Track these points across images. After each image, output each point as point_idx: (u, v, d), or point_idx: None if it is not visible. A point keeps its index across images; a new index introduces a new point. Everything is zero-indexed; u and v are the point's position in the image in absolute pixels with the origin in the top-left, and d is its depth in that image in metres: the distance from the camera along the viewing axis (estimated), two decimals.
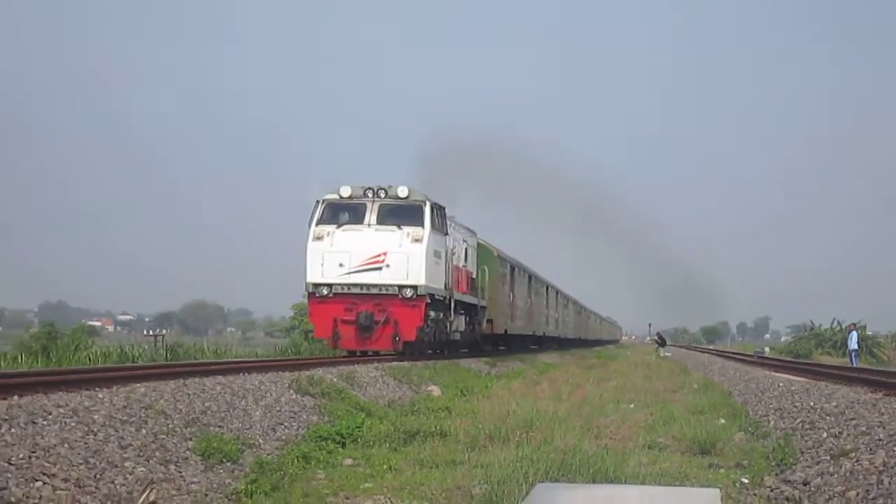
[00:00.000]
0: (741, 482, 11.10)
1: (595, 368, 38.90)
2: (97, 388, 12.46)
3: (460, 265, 36.52)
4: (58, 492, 8.12)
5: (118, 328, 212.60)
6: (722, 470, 11.97)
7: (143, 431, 10.93)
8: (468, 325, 37.78)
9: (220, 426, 12.55)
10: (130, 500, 8.81)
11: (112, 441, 10.04)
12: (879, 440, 12.01)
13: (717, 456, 13.17)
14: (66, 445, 9.25)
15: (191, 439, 11.54)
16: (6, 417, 9.40)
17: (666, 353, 70.46)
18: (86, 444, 9.60)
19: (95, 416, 10.58)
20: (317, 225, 28.49)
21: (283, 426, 14.18)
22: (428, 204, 30.13)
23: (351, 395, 17.77)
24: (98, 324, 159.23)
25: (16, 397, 10.68)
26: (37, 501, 7.81)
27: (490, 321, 42.20)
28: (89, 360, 28.30)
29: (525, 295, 56.11)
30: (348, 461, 12.48)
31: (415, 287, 27.60)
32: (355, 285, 27.71)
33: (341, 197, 29.23)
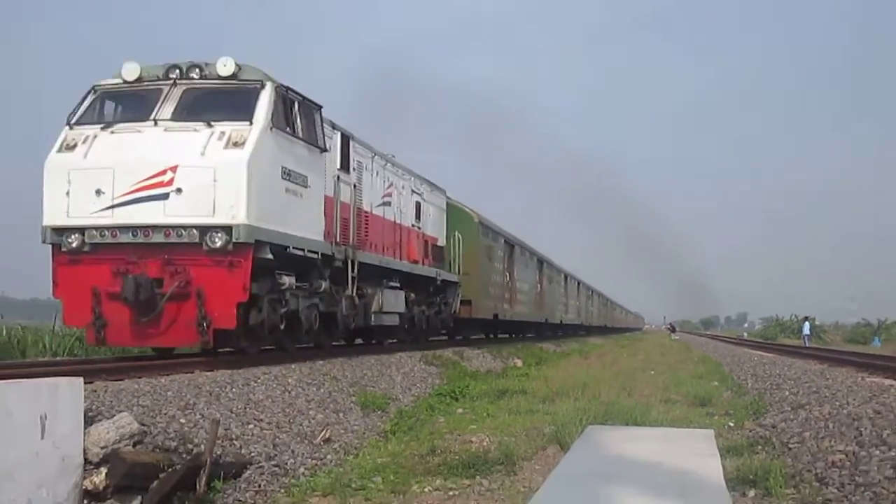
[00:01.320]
0: (729, 425, 12.76)
1: (626, 347, 40.31)
2: (291, 363, 13.88)
3: (402, 221, 24.35)
4: (263, 431, 9.81)
5: None
6: (715, 417, 13.63)
7: (322, 390, 12.31)
8: (421, 305, 25.73)
9: (373, 386, 13.90)
10: (313, 437, 10.41)
11: (300, 397, 11.59)
12: (825, 397, 14.22)
13: (711, 407, 14.94)
14: (269, 400, 10.93)
15: (353, 395, 12.86)
16: (230, 382, 11.06)
17: (676, 337, 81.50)
18: (283, 398, 11.25)
19: (289, 380, 12.08)
20: (72, 127, 15.26)
21: (415, 386, 15.41)
22: (269, 87, 15.85)
23: (461, 366, 19.27)
24: None
25: (237, 369, 12.38)
26: (249, 438, 9.46)
27: (468, 302, 30.10)
28: None
29: (533, 279, 45.64)
30: (460, 410, 13.89)
31: (227, 229, 14.03)
32: (124, 228, 14.37)
33: (125, 81, 15.82)
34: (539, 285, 47.30)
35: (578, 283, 62.39)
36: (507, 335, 43.94)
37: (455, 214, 30.66)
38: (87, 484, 6.91)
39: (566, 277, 56.21)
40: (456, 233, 29.50)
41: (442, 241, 28.92)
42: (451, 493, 8.22)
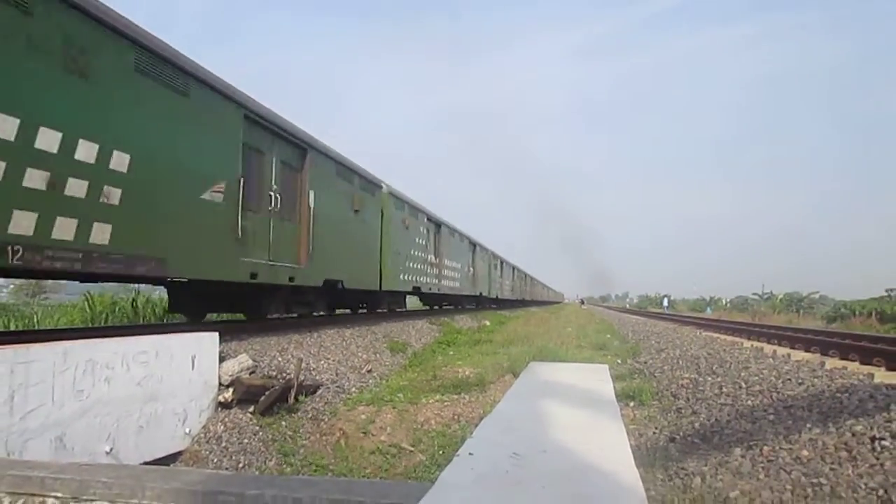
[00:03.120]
0: (617, 362, 12.83)
1: (553, 314, 40.04)
2: (346, 326, 13.41)
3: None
4: (329, 365, 9.77)
5: None
6: (609, 356, 13.57)
7: (366, 340, 12.25)
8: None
9: (397, 338, 13.76)
10: (360, 369, 10.37)
11: (352, 344, 11.52)
12: (677, 344, 14.40)
13: (606, 351, 15.00)
14: (333, 346, 10.89)
15: (385, 343, 12.81)
16: (309, 335, 11.09)
17: (585, 308, 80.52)
18: (342, 345, 11.18)
19: (346, 334, 12.03)
20: None
21: (424, 338, 15.20)
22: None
23: (453, 325, 18.97)
24: None
25: (312, 332, 12.24)
26: (321, 369, 9.38)
27: None
28: None
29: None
30: (451, 352, 13.52)
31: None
32: None
33: None
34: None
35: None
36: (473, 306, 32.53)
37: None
38: (220, 398, 6.94)
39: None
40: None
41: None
42: (446, 403, 8.33)
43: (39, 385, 4.67)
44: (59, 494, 3.26)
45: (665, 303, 75.33)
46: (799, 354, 12.09)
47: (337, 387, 9.09)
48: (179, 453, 6.22)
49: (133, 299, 18.71)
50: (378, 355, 11.79)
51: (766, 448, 5.82)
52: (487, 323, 24.00)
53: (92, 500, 3.19)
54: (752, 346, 13.83)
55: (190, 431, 6.39)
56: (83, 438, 5.02)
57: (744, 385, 8.40)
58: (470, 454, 2.95)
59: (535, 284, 75.50)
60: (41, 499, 3.29)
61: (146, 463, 5.50)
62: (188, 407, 6.39)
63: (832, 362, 10.50)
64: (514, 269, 49.73)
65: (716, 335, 18.22)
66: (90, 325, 15.60)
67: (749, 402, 7.57)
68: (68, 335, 6.79)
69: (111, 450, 5.29)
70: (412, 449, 7.06)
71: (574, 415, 3.82)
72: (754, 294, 69.08)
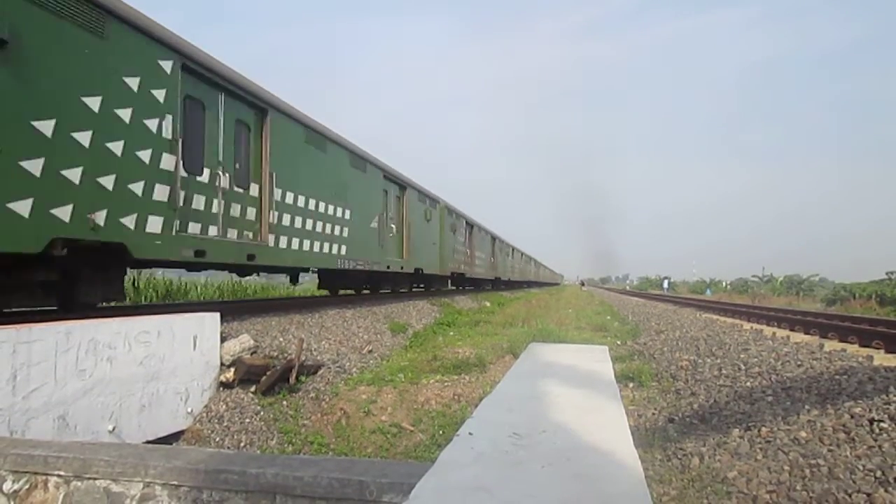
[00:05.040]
0: (617, 343, 12.84)
1: (553, 295, 40.13)
2: (347, 307, 13.43)
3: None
4: (330, 345, 9.83)
5: None
6: (608, 337, 13.62)
7: (367, 320, 12.25)
8: None
9: (398, 318, 13.78)
10: (361, 349, 10.39)
11: (353, 324, 11.56)
12: (677, 326, 14.47)
13: (606, 332, 15.00)
14: (335, 326, 10.91)
15: (386, 323, 12.82)
16: (310, 315, 11.10)
17: (585, 289, 79.94)
18: (343, 325, 11.22)
19: (347, 314, 12.07)
20: None
21: (424, 318, 15.20)
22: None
23: (453, 306, 19.02)
24: None
25: (315, 309, 12.24)
26: (322, 349, 9.49)
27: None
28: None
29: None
30: (451, 333, 13.62)
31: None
32: None
33: None
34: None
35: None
36: (472, 287, 34.04)
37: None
38: (222, 378, 6.97)
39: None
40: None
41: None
42: (446, 383, 8.37)
43: (42, 364, 4.68)
44: (61, 473, 3.27)
45: (665, 285, 75.18)
46: (798, 337, 12.09)
47: (338, 367, 9.11)
48: (181, 432, 6.26)
49: (134, 279, 18.77)
50: (379, 336, 11.82)
51: (764, 429, 5.84)
52: (487, 304, 23.98)
53: (95, 479, 3.21)
54: (751, 328, 13.80)
55: (192, 411, 6.42)
56: (86, 417, 5.04)
57: (743, 367, 8.43)
58: (470, 434, 2.96)
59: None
60: (44, 477, 3.31)
61: (149, 442, 5.54)
62: (190, 386, 6.41)
63: (831, 345, 10.51)
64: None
65: (716, 317, 18.20)
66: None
67: (748, 384, 7.60)
68: (70, 315, 6.81)
69: (114, 429, 5.31)
70: (412, 429, 7.10)
71: (574, 396, 3.82)
72: (754, 276, 69.01)
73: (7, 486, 3.37)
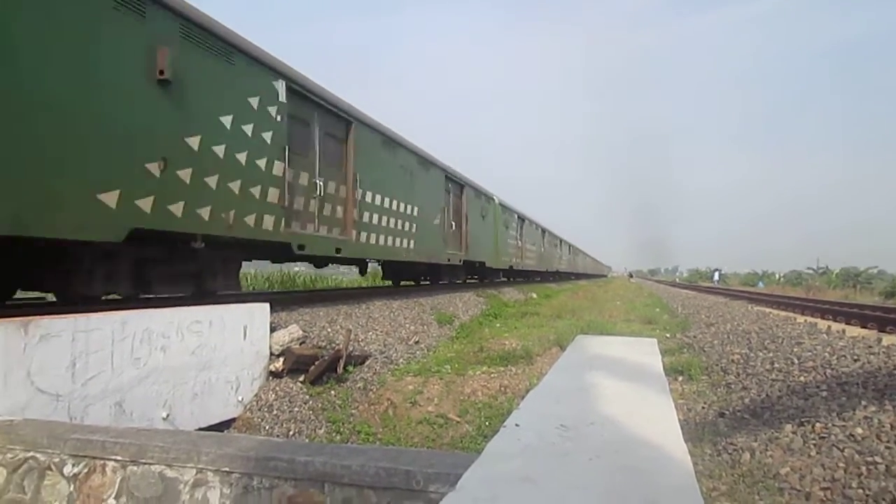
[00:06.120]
0: (666, 336, 12.74)
1: (601, 287, 39.79)
2: (394, 298, 13.56)
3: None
4: (378, 336, 9.90)
5: None
6: (657, 330, 13.43)
7: (414, 312, 12.30)
8: None
9: (445, 309, 13.76)
10: (408, 340, 10.47)
11: (400, 315, 11.59)
12: (728, 319, 14.16)
13: (655, 325, 14.83)
14: (381, 317, 10.97)
15: (433, 314, 12.84)
16: (357, 306, 11.16)
17: (633, 281, 78.02)
18: (390, 316, 11.27)
19: (393, 305, 12.13)
20: None
21: (471, 310, 15.15)
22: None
23: (500, 298, 19.01)
24: None
25: (361, 303, 12.37)
26: (369, 340, 9.53)
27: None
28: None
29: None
30: (498, 325, 13.65)
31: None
32: None
33: None
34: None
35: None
36: (522, 279, 34.43)
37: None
38: (271, 367, 7.07)
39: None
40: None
41: None
42: (492, 374, 8.36)
43: (99, 353, 4.82)
44: (118, 458, 3.37)
45: (716, 277, 73.75)
46: (855, 330, 11.74)
47: (385, 357, 9.17)
48: (232, 420, 6.37)
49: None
50: (425, 327, 11.86)
51: (818, 425, 5.70)
52: (534, 296, 23.90)
53: (149, 464, 3.30)
54: (805, 321, 13.47)
55: (242, 399, 6.54)
56: (141, 404, 5.18)
57: (796, 361, 8.23)
58: (517, 425, 2.96)
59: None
60: (102, 462, 3.41)
61: (201, 429, 5.65)
62: (240, 375, 6.53)
63: (890, 339, 10.18)
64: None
65: (768, 310, 17.81)
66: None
67: (801, 379, 7.42)
68: (125, 305, 7.00)
69: (167, 416, 5.45)
70: (459, 420, 7.12)
71: (622, 388, 3.78)
72: (809, 269, 67.30)
73: (67, 470, 3.49)
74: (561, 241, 46.17)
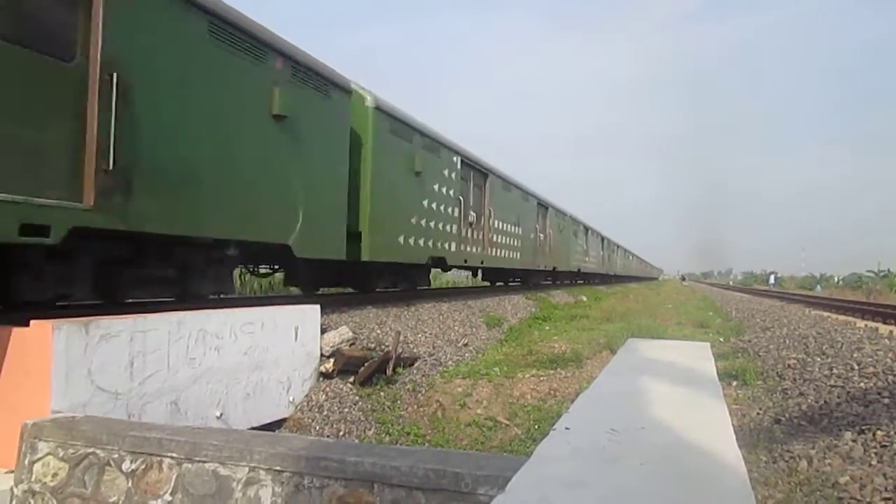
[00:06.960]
0: (719, 340, 12.43)
1: (652, 290, 39.82)
2: (443, 300, 13.63)
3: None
4: (427, 338, 9.95)
5: None
6: (710, 334, 13.21)
7: (462, 314, 12.32)
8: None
9: (494, 312, 13.80)
10: (457, 342, 10.51)
11: (449, 318, 11.61)
12: (784, 323, 13.90)
13: (708, 329, 14.47)
14: (430, 319, 11.03)
15: (482, 317, 12.86)
16: (406, 308, 11.15)
17: (685, 284, 76.68)
18: (439, 318, 11.32)
19: (442, 307, 12.15)
20: None
21: (520, 313, 15.14)
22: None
23: (549, 301, 18.93)
24: None
25: (410, 305, 12.19)
26: (418, 342, 9.59)
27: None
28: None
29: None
30: (547, 328, 13.50)
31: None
32: None
33: None
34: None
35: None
36: (582, 281, 36.80)
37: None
38: (322, 368, 7.15)
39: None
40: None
41: None
42: (541, 377, 8.31)
43: (156, 353, 4.94)
44: (174, 455, 3.45)
45: (771, 280, 71.94)
46: None
47: (434, 359, 9.20)
48: (283, 420, 6.46)
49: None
50: (474, 329, 11.85)
51: (879, 433, 5.52)
52: (584, 298, 23.69)
53: (204, 462, 3.37)
54: (865, 325, 13.08)
55: (293, 400, 6.62)
56: (195, 403, 5.29)
57: (856, 367, 7.98)
58: (566, 429, 2.93)
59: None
60: (158, 458, 3.50)
61: (253, 428, 5.75)
62: (291, 376, 6.62)
63: None
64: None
65: (826, 314, 17.36)
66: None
67: (861, 385, 7.19)
68: (180, 305, 7.16)
69: (221, 415, 5.55)
70: (508, 422, 7.09)
71: (673, 392, 3.72)
72: (869, 271, 65.06)
73: (126, 466, 3.59)
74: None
